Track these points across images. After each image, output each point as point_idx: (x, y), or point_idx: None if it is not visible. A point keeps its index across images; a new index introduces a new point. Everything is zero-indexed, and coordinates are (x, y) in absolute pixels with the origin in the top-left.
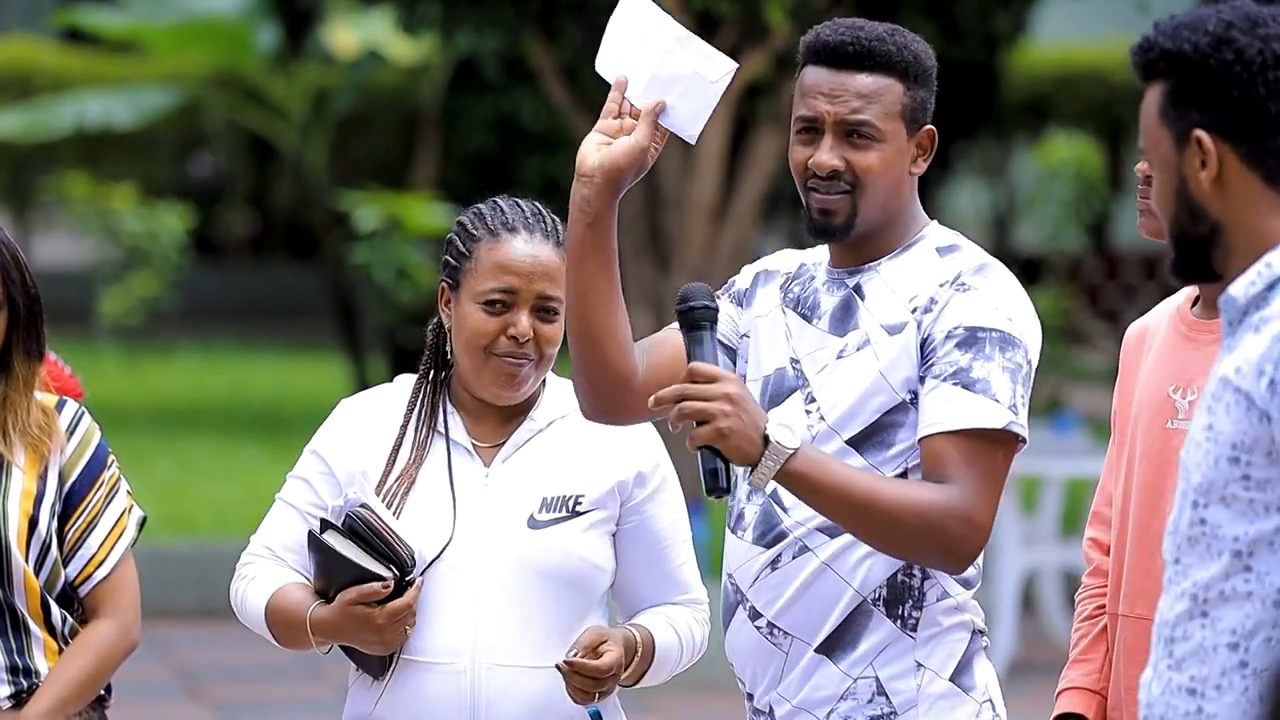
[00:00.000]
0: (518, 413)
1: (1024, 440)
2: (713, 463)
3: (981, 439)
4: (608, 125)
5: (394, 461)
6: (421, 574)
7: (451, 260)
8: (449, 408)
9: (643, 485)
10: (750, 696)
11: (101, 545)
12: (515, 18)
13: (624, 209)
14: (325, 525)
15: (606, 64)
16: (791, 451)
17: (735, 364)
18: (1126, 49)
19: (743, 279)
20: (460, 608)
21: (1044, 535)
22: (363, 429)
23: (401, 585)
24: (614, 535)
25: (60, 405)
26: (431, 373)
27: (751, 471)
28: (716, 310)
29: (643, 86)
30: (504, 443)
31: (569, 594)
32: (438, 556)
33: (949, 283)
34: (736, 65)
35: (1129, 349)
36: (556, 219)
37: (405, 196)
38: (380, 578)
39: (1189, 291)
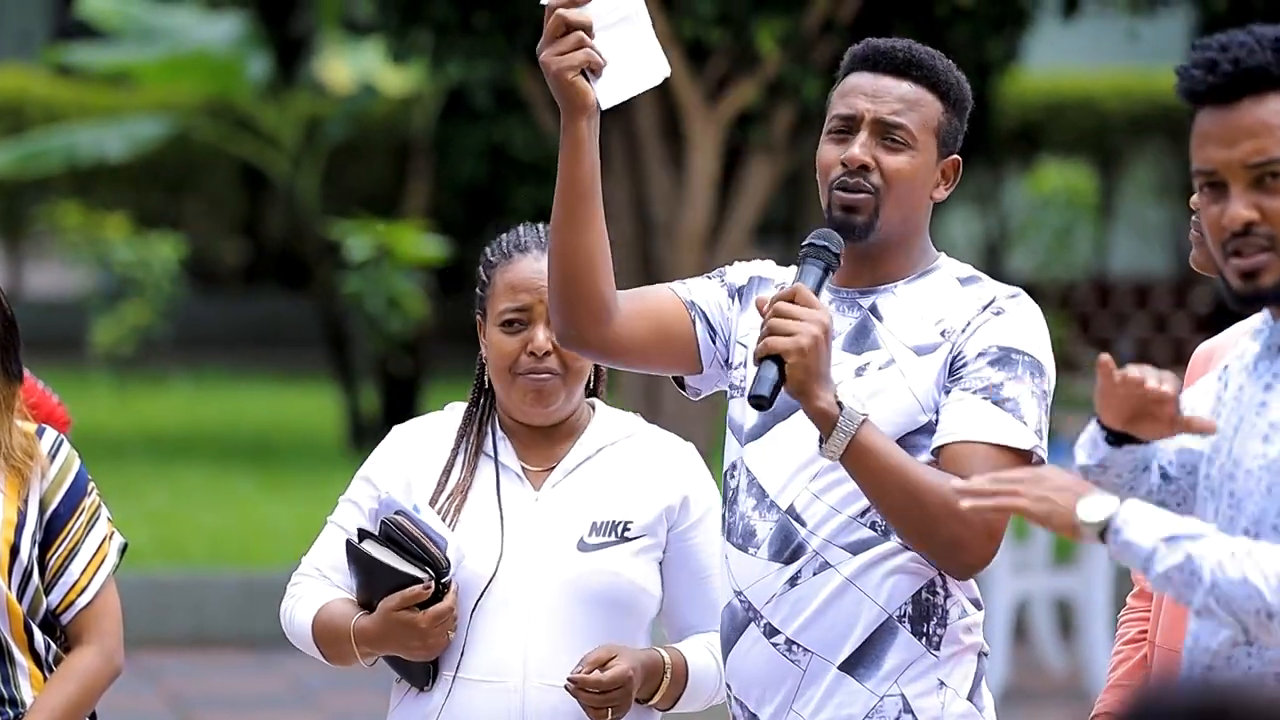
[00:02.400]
0: (567, 437)
1: (1043, 461)
2: (772, 373)
3: (1007, 455)
4: (569, 45)
5: (444, 484)
6: (453, 577)
7: (479, 291)
8: (499, 433)
9: (689, 512)
10: (754, 718)
11: (83, 572)
12: (506, 47)
13: (615, 236)
14: (363, 535)
15: None
16: (864, 417)
17: (716, 343)
18: (1118, 77)
19: (737, 274)
20: (512, 628)
21: (1035, 563)
22: (414, 454)
23: (440, 587)
24: (661, 562)
25: (39, 433)
26: (481, 400)
27: (822, 443)
28: (839, 263)
29: (590, 16)
30: (554, 467)
31: (617, 617)
32: (492, 578)
33: (985, 307)
34: (669, 71)
35: (1195, 370)
36: None
37: (397, 225)
38: (418, 580)
39: (1258, 318)
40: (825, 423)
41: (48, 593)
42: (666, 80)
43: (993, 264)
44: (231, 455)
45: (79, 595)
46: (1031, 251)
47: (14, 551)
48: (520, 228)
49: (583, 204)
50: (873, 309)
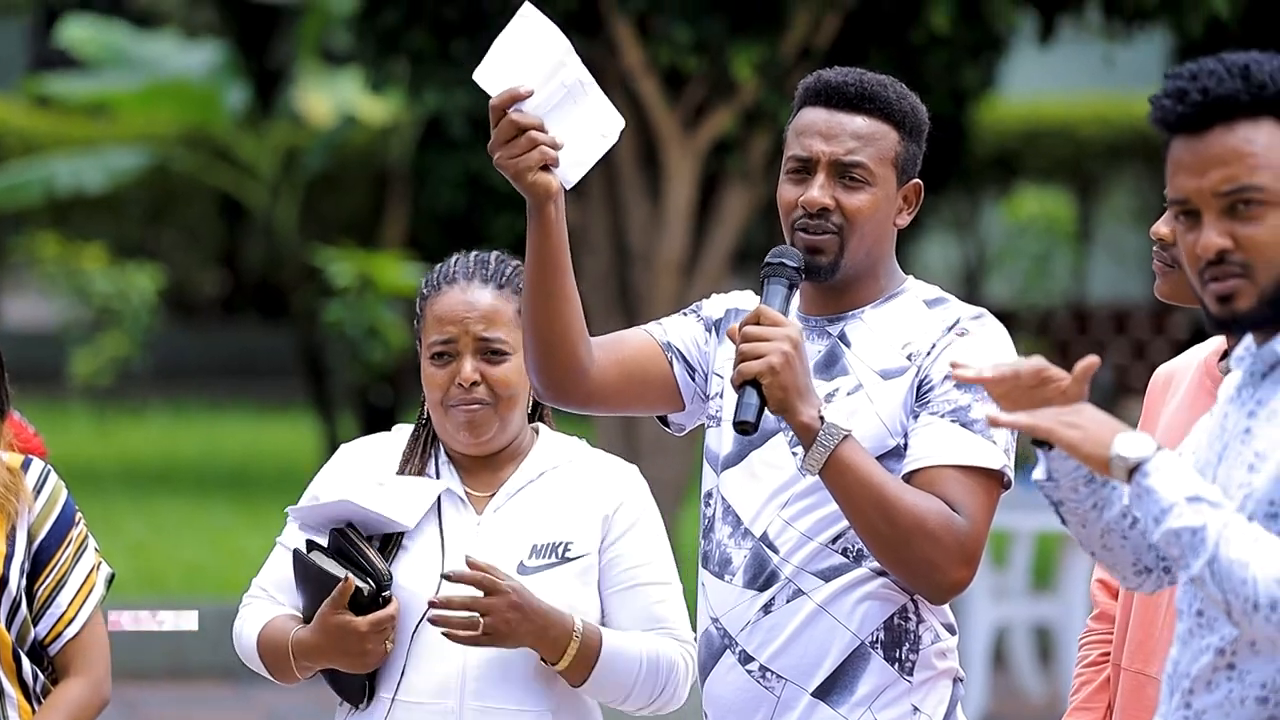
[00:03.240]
0: (510, 462)
1: (1010, 484)
2: (753, 398)
3: (978, 476)
4: (523, 147)
5: None
6: (394, 592)
7: (415, 323)
8: (443, 458)
9: (619, 520)
10: None
11: (71, 603)
12: None
13: (593, 266)
14: (311, 546)
15: (491, 77)
16: (846, 433)
17: (695, 379)
18: (1094, 103)
19: (713, 307)
20: (450, 650)
21: (1014, 590)
22: (361, 474)
23: (381, 598)
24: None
25: (26, 464)
26: (427, 424)
27: (803, 457)
28: (801, 277)
29: (535, 108)
30: (497, 492)
31: None
32: (431, 603)
33: (949, 329)
34: (624, 123)
35: (1154, 392)
36: (507, 263)
37: (376, 255)
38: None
39: (1217, 343)
40: (807, 436)
41: (35, 623)
42: (643, 108)
43: (971, 291)
44: (210, 486)
45: (66, 626)
46: (1009, 278)
47: (3, 582)
48: (453, 258)
49: (555, 277)
50: (841, 336)
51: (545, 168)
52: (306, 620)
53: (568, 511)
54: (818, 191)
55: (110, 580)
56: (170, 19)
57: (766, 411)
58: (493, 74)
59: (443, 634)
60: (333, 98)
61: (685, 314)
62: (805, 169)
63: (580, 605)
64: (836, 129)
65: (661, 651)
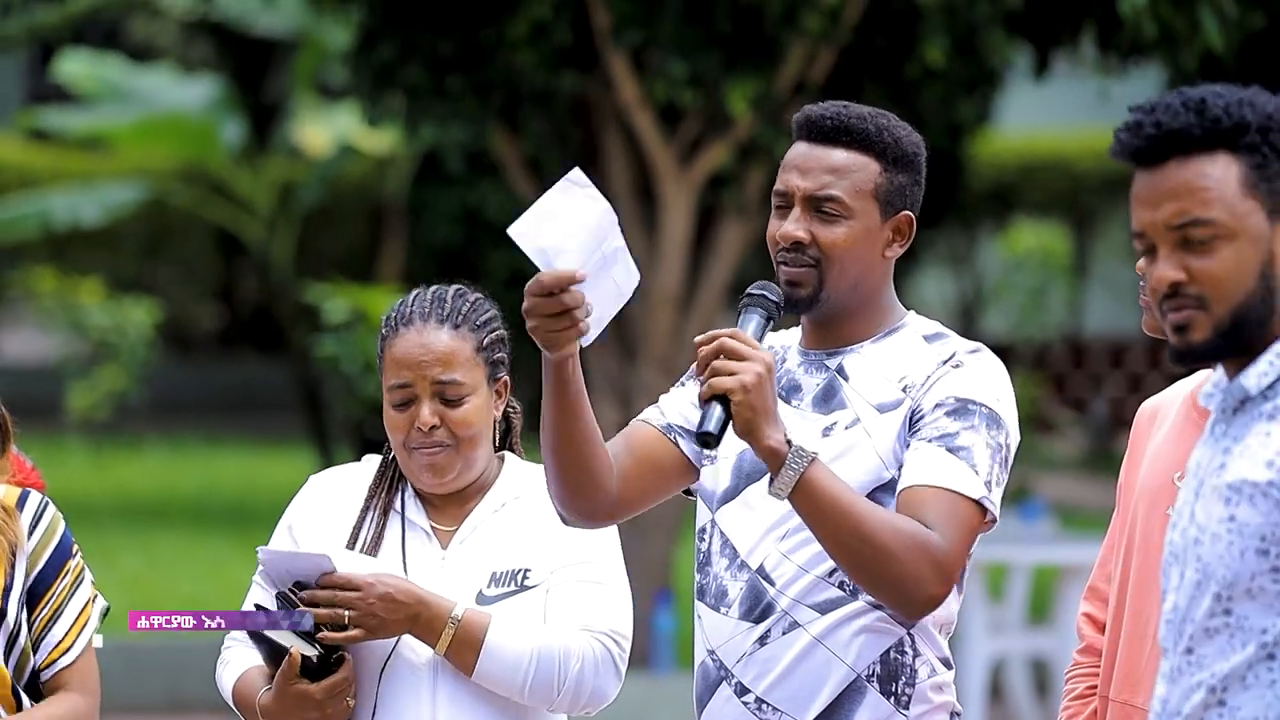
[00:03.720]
0: (475, 495)
1: (994, 519)
2: (718, 411)
3: (958, 501)
4: (565, 325)
5: (354, 542)
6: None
7: (378, 363)
8: (409, 492)
9: (571, 540)
10: None
11: (66, 634)
12: (479, 110)
13: None
14: (260, 608)
15: (530, 236)
16: (814, 455)
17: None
18: (1090, 137)
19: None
20: (419, 688)
21: (1011, 623)
22: (330, 505)
23: (333, 659)
24: None
25: (24, 497)
26: (392, 459)
27: (772, 481)
28: (780, 312)
29: (580, 272)
30: (460, 525)
31: None
32: (398, 640)
33: (944, 362)
34: (640, 277)
35: (1139, 427)
36: (465, 300)
37: (372, 289)
38: (304, 653)
39: (1202, 376)
40: (775, 461)
41: (33, 652)
42: (639, 143)
43: (967, 325)
44: (207, 520)
45: (62, 655)
46: (1006, 312)
47: (1, 615)
48: (411, 295)
49: (576, 422)
50: (839, 369)
51: None
52: (270, 673)
53: (528, 538)
54: (792, 225)
55: (105, 613)
56: (166, 53)
57: (730, 432)
58: (532, 233)
59: (319, 637)
60: (330, 130)
61: (681, 384)
62: (785, 203)
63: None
64: (813, 163)
65: (557, 644)
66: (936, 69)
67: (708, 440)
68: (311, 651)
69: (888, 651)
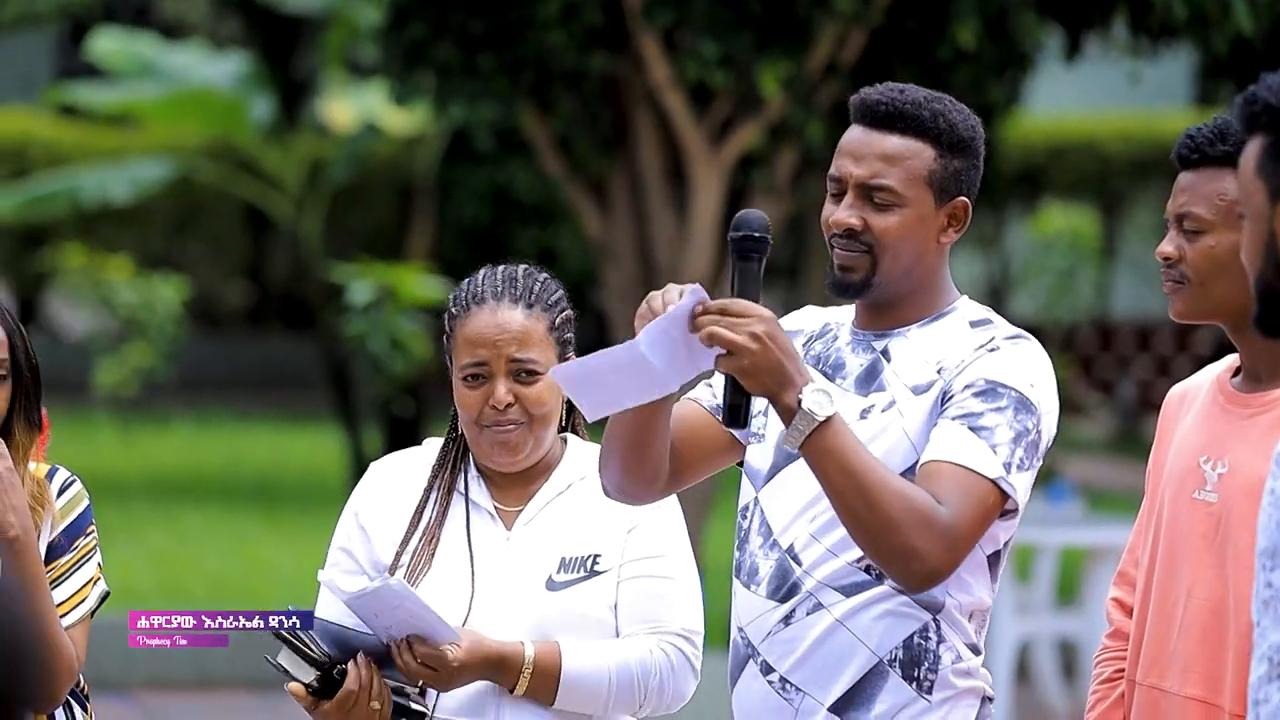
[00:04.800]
0: (540, 475)
1: (1014, 504)
2: (734, 397)
3: (976, 479)
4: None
5: (417, 524)
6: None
7: (445, 341)
8: (473, 472)
9: (637, 517)
10: None
11: (59, 606)
12: (509, 89)
13: (619, 279)
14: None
15: (574, 384)
16: (823, 420)
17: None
18: (1120, 119)
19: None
20: (482, 684)
21: (1039, 604)
22: (393, 490)
23: (334, 677)
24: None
25: (52, 472)
26: (458, 438)
27: (783, 434)
28: (768, 243)
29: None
30: (525, 506)
31: None
32: (464, 622)
33: (981, 346)
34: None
35: (1168, 412)
36: (535, 279)
37: (400, 267)
38: (305, 681)
39: (1230, 361)
40: (788, 416)
41: None
42: (670, 123)
43: (995, 307)
44: (234, 497)
45: None
46: (1034, 294)
47: None
48: (480, 275)
49: (657, 417)
50: (884, 351)
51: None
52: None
53: (596, 522)
54: (844, 212)
55: (104, 598)
56: (196, 30)
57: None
58: (579, 383)
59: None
60: (357, 106)
61: None
62: (839, 189)
63: (607, 619)
64: (866, 150)
65: (632, 659)
66: (967, 51)
67: (731, 418)
68: (309, 676)
69: (911, 636)
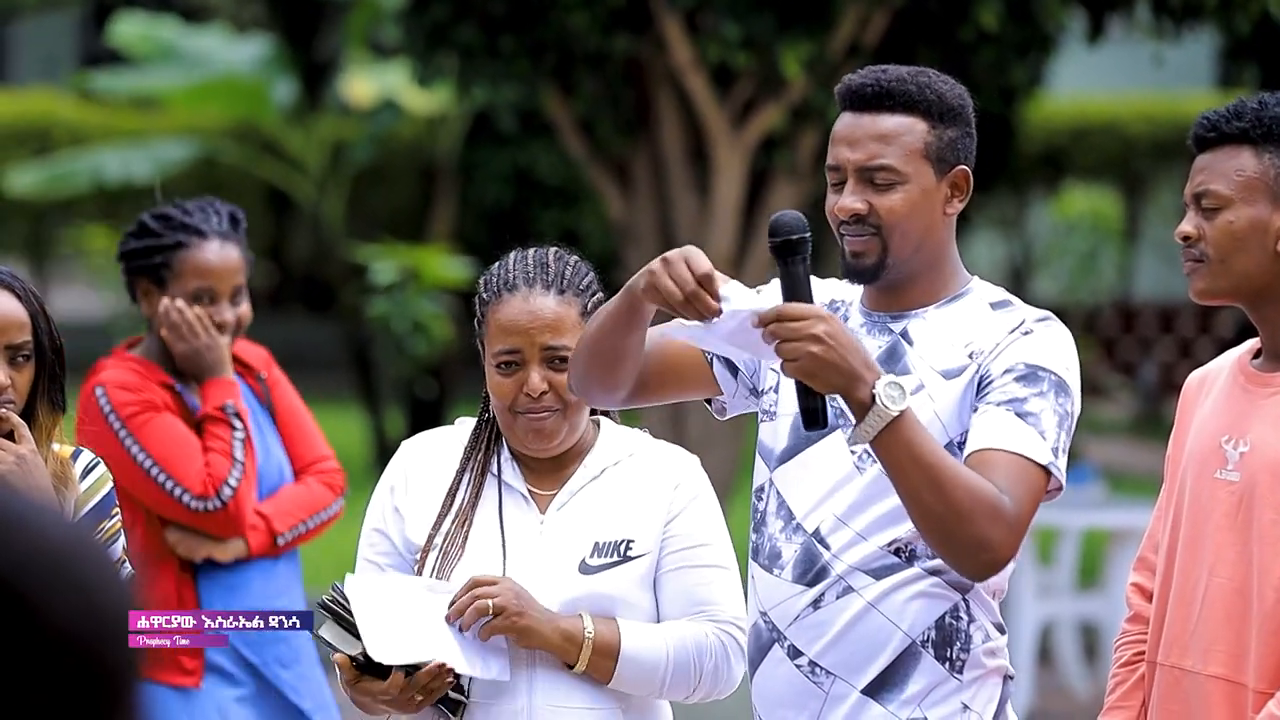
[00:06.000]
0: (574, 460)
1: (1060, 486)
2: (808, 401)
3: (1030, 466)
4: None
5: (450, 505)
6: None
7: (476, 326)
8: (506, 455)
9: (675, 504)
10: None
11: None
12: (532, 70)
13: (640, 260)
14: (332, 602)
15: None
16: (895, 415)
17: (740, 378)
18: (1142, 101)
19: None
20: (516, 652)
21: (1060, 586)
22: (427, 467)
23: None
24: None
25: (76, 454)
26: (490, 421)
27: (854, 429)
28: (808, 241)
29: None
30: (559, 490)
31: None
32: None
33: (1013, 329)
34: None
35: (1188, 395)
36: (566, 263)
37: (422, 249)
38: (352, 654)
39: (1251, 343)
40: (860, 412)
41: None
42: (692, 105)
43: (1017, 288)
44: None
45: None
46: (1056, 276)
47: None
48: (510, 259)
49: (634, 332)
50: (904, 333)
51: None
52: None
53: (629, 508)
54: (849, 198)
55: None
56: (219, 13)
57: (834, 402)
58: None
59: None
60: (377, 84)
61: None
62: (839, 177)
63: (641, 603)
64: (859, 133)
65: (688, 640)
66: (990, 32)
67: (809, 421)
68: (354, 650)
69: (943, 617)
